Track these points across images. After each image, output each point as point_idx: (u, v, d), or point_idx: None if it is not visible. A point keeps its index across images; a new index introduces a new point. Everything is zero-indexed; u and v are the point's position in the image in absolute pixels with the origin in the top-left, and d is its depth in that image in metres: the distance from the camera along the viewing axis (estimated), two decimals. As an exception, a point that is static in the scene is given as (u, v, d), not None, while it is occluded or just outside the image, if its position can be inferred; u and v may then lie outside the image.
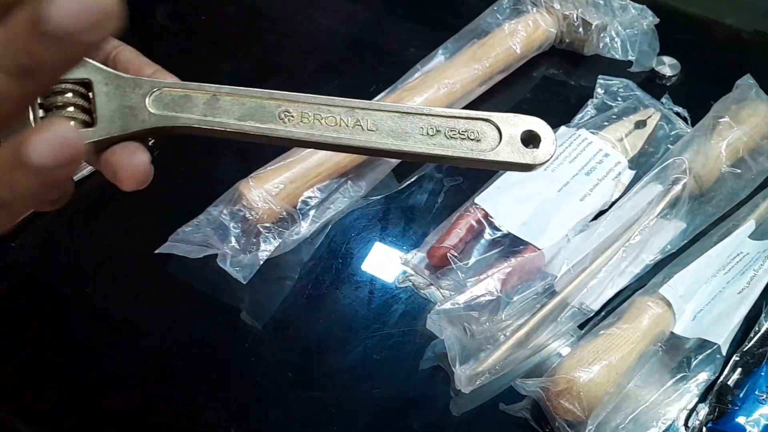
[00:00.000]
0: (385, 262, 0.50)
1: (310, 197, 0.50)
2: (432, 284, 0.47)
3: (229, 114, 0.28)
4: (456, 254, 0.47)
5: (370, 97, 0.56)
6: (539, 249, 0.47)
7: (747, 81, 0.55)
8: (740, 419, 0.42)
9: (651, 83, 0.60)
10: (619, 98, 0.57)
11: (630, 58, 0.60)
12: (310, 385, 0.45)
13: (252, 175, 0.49)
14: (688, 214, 0.50)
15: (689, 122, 0.56)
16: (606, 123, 0.54)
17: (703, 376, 0.44)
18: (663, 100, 0.57)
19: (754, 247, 0.49)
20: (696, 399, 0.43)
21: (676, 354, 0.45)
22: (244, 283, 0.46)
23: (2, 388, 0.44)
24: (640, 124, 0.54)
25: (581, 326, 0.47)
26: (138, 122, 0.27)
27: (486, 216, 0.49)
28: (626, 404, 0.43)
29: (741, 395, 0.43)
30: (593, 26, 0.58)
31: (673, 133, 0.55)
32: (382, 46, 0.65)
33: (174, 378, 0.45)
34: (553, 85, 0.62)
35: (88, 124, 0.27)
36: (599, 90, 0.58)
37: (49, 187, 0.19)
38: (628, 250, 0.47)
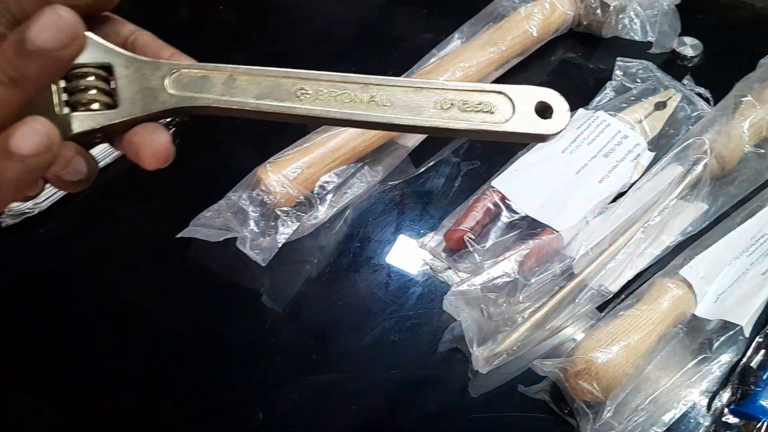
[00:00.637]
0: (402, 246, 0.50)
1: (327, 182, 0.51)
2: (449, 267, 0.47)
3: (247, 93, 0.29)
4: (473, 237, 0.47)
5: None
6: (557, 231, 0.47)
7: (771, 60, 0.53)
8: (764, 401, 0.41)
9: (672, 64, 0.60)
10: (638, 80, 0.56)
11: (650, 39, 0.60)
12: (329, 366, 0.45)
13: (270, 160, 0.50)
14: (709, 195, 0.49)
15: (711, 103, 0.56)
16: (625, 105, 0.54)
17: (726, 358, 0.44)
18: (684, 81, 0.56)
19: (778, 229, 0.48)
20: (718, 381, 0.43)
21: (698, 336, 0.44)
22: (264, 265, 0.47)
23: (28, 369, 0.45)
24: (660, 106, 0.54)
25: (600, 308, 0.46)
26: (158, 103, 0.28)
27: (503, 199, 0.48)
28: (646, 385, 0.42)
29: (764, 377, 0.42)
30: (612, 7, 0.58)
31: (694, 114, 0.54)
32: (397, 32, 0.65)
33: (195, 360, 0.46)
34: (571, 68, 0.61)
35: (111, 106, 0.28)
36: (618, 72, 0.57)
37: (31, 173, 0.22)
38: (647, 232, 0.46)
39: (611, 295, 0.46)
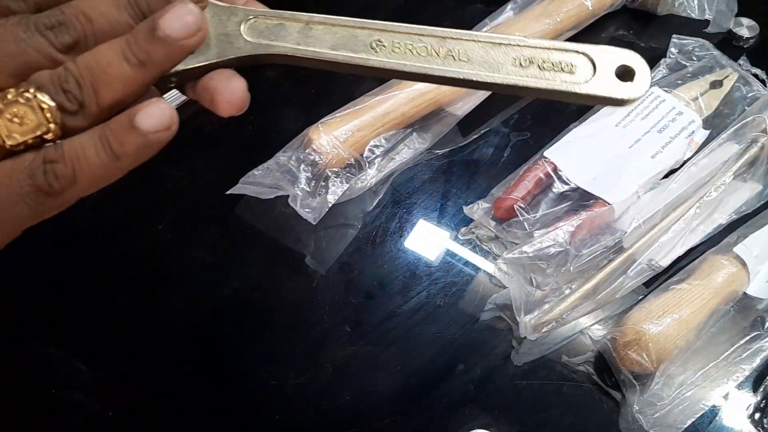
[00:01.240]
0: (448, 214, 0.50)
1: (376, 146, 0.51)
2: (498, 236, 0.47)
3: (322, 43, 0.28)
4: (523, 206, 0.47)
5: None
6: (609, 204, 0.47)
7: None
8: (813, 382, 0.41)
9: (727, 45, 0.59)
10: (694, 58, 0.55)
11: (707, 17, 0.59)
12: (372, 327, 0.45)
13: (321, 121, 0.49)
14: (765, 175, 0.48)
15: (767, 84, 0.55)
16: (680, 82, 0.53)
17: (777, 337, 0.43)
18: (740, 61, 0.55)
19: (833, 212, 0.48)
20: (768, 359, 0.43)
21: (749, 314, 0.44)
22: (314, 224, 0.47)
23: (74, 322, 0.46)
24: (716, 84, 0.53)
25: (646, 284, 0.46)
26: (234, 49, 0.28)
27: (555, 169, 0.48)
28: (695, 360, 0.42)
29: (815, 358, 0.42)
30: (669, -17, 0.57)
31: (750, 95, 0.53)
32: (447, 1, 0.65)
33: (241, 317, 0.47)
34: (623, 44, 0.60)
35: None
36: (673, 49, 0.56)
37: (150, 148, 0.24)
38: (700, 209, 0.46)
39: (661, 270, 0.46)
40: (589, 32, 0.59)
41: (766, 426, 0.41)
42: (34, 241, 0.48)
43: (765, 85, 0.54)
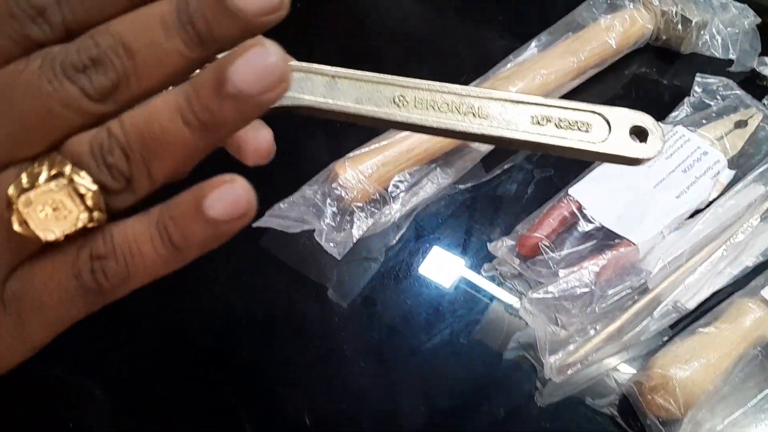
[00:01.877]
0: (471, 249, 0.50)
1: (400, 181, 0.51)
2: (522, 273, 0.47)
3: (347, 97, 0.28)
4: (548, 244, 0.47)
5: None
6: (634, 244, 0.46)
7: None
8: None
9: (751, 84, 0.59)
10: (718, 97, 0.55)
11: (731, 56, 0.59)
12: (395, 363, 0.45)
13: (347, 156, 0.50)
14: (792, 217, 0.48)
15: (792, 125, 0.55)
16: (704, 121, 0.53)
17: (806, 385, 0.42)
18: (765, 100, 0.55)
19: None
20: (797, 407, 0.42)
21: (777, 359, 0.43)
22: (339, 258, 0.47)
23: (97, 356, 0.46)
24: (741, 124, 0.53)
25: (672, 326, 0.46)
26: None
27: (580, 208, 0.48)
28: (724, 406, 0.41)
29: None
30: (693, 23, 0.57)
31: (775, 135, 0.53)
32: (471, 35, 0.65)
33: (262, 348, 0.47)
34: (646, 82, 0.61)
35: None
36: (697, 88, 0.56)
37: (220, 238, 0.20)
38: (727, 251, 0.46)
39: (687, 312, 0.45)
40: (613, 70, 0.59)
41: (795, 475, 0.40)
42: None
43: (790, 126, 0.54)
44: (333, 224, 0.47)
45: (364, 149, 0.51)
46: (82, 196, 0.19)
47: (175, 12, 0.19)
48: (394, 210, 0.50)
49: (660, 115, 0.56)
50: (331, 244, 0.47)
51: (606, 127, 0.28)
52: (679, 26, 0.58)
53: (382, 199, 0.50)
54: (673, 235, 0.47)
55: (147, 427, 0.43)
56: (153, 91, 0.20)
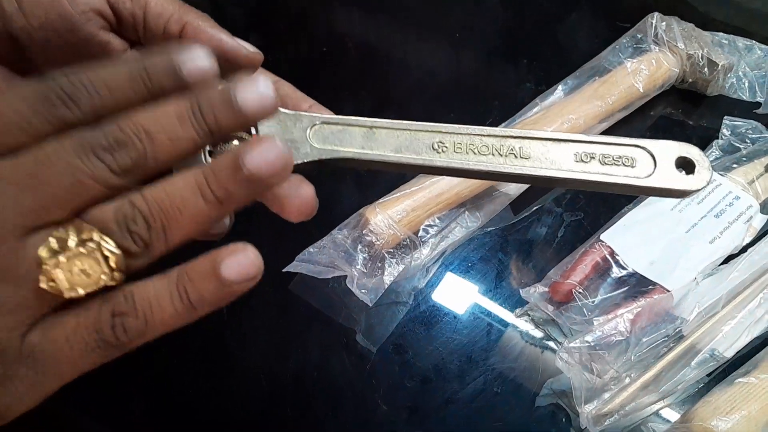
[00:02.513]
0: (502, 295, 0.50)
1: (430, 225, 0.51)
2: (555, 319, 0.47)
3: (386, 146, 0.29)
4: (581, 291, 0.46)
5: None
6: (668, 290, 0.46)
7: None
8: None
9: (779, 126, 0.59)
10: (747, 140, 0.55)
11: (758, 99, 0.59)
12: (427, 415, 0.45)
13: (377, 201, 0.50)
14: (828, 263, 0.47)
15: (823, 168, 0.54)
16: (735, 165, 0.53)
17: None
18: (794, 143, 0.55)
19: None
20: (841, 460, 0.41)
21: (820, 410, 0.42)
22: (371, 305, 0.47)
23: (108, 398, 0.46)
24: (772, 168, 0.53)
25: (709, 374, 0.45)
26: (301, 155, 0.28)
27: (612, 254, 0.48)
28: (766, 460, 0.40)
29: None
30: (720, 66, 0.57)
31: (806, 178, 0.53)
32: (496, 80, 0.66)
33: (293, 397, 0.46)
34: (672, 124, 0.61)
35: None
36: (725, 131, 0.56)
37: (230, 296, 0.23)
38: (764, 297, 0.45)
39: (725, 361, 0.44)
40: (640, 113, 0.60)
41: None
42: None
43: (821, 168, 0.54)
44: (364, 270, 0.47)
45: (394, 194, 0.51)
46: (106, 259, 0.21)
47: (189, 109, 0.23)
48: (424, 254, 0.50)
49: (688, 157, 0.56)
50: (363, 291, 0.47)
51: (651, 160, 0.28)
52: (706, 69, 0.58)
53: (412, 243, 0.50)
54: (707, 282, 0.47)
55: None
56: (164, 169, 0.23)
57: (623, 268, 0.47)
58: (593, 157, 0.28)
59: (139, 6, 0.28)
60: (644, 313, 0.45)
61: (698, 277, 0.47)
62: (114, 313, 0.22)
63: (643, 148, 0.28)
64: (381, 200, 0.51)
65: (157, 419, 0.46)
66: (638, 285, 0.47)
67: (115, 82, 0.22)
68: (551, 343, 0.47)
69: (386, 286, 0.47)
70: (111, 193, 0.22)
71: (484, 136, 0.29)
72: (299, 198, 0.27)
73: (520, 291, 0.49)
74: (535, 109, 0.57)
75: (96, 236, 0.21)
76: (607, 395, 0.43)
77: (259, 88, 0.23)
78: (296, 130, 0.29)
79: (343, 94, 0.66)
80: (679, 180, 0.28)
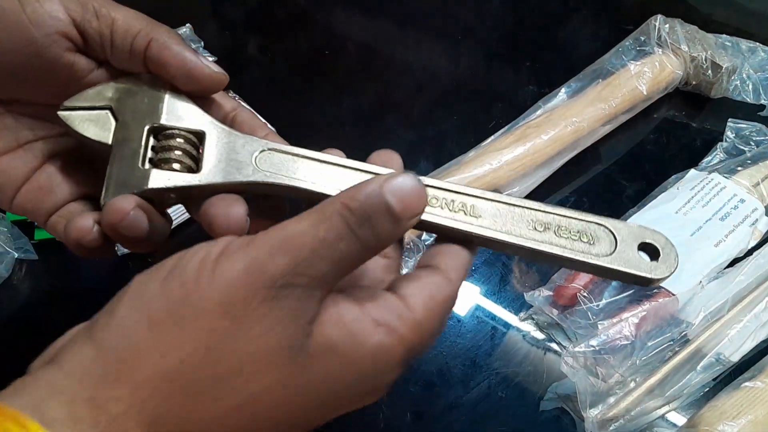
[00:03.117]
0: (506, 299, 0.50)
1: (433, 229, 0.51)
2: (560, 323, 0.47)
3: (328, 183, 0.28)
4: (586, 295, 0.46)
5: (489, 133, 0.57)
6: (673, 294, 0.46)
7: None
8: None
9: (783, 129, 0.58)
10: (752, 142, 0.55)
11: (763, 101, 0.59)
12: (434, 419, 0.44)
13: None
14: (834, 266, 0.47)
15: (828, 170, 0.54)
16: (739, 168, 0.53)
17: None
18: (799, 146, 0.55)
19: None
20: None
21: (827, 415, 0.42)
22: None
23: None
24: (776, 170, 0.52)
25: (714, 378, 0.45)
26: (240, 175, 0.28)
27: (616, 257, 0.47)
28: (773, 465, 0.40)
29: None
30: (723, 68, 0.57)
31: (810, 180, 0.53)
32: (498, 83, 0.66)
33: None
34: (676, 127, 0.60)
35: (192, 170, 0.28)
36: (729, 133, 0.56)
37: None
38: (770, 301, 0.45)
39: (731, 365, 0.44)
40: (643, 116, 0.59)
41: None
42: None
43: (826, 171, 0.54)
44: (368, 274, 0.47)
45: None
46: None
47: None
48: (428, 258, 0.50)
49: (693, 160, 0.56)
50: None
51: (612, 240, 0.27)
52: (709, 72, 0.58)
53: (416, 247, 0.50)
54: (713, 285, 0.47)
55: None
56: None
57: (628, 272, 0.47)
58: (549, 228, 0.27)
59: (106, 24, 0.27)
60: (649, 316, 0.45)
61: (703, 281, 0.47)
62: None
63: (604, 226, 0.27)
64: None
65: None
66: (643, 289, 0.46)
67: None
68: (556, 347, 0.47)
69: (390, 291, 0.47)
70: None
71: (436, 188, 0.27)
72: (228, 217, 0.27)
73: (525, 295, 0.48)
74: (537, 112, 0.57)
75: None
76: (612, 399, 0.43)
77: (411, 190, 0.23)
78: (243, 152, 0.29)
79: (344, 97, 0.65)
80: (641, 266, 0.26)
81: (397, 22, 0.74)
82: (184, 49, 0.28)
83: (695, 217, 0.50)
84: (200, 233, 0.53)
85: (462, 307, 0.50)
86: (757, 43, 0.61)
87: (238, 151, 0.29)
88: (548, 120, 0.54)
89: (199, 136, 0.29)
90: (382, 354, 0.22)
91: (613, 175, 0.57)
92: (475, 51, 0.70)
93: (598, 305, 0.46)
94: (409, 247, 0.49)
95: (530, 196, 0.54)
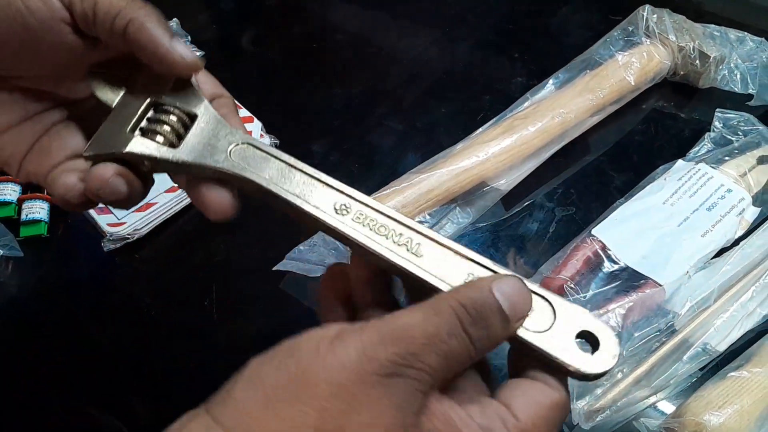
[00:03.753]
0: (494, 290, 0.50)
1: (420, 222, 0.51)
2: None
3: (294, 188, 0.28)
4: (573, 286, 0.46)
5: (478, 124, 0.56)
6: (660, 285, 0.46)
7: None
8: None
9: (771, 118, 0.58)
10: (739, 132, 0.55)
11: (750, 91, 0.59)
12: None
13: (367, 198, 0.50)
14: (821, 255, 0.47)
15: (815, 159, 0.54)
16: (726, 158, 0.53)
17: (843, 430, 0.41)
18: (787, 135, 0.55)
19: None
20: (833, 454, 0.41)
21: (812, 403, 0.42)
22: (362, 303, 0.47)
23: (121, 389, 0.46)
24: (764, 160, 0.52)
25: (701, 368, 0.45)
26: (211, 160, 0.29)
27: (604, 248, 0.48)
28: (759, 454, 0.40)
29: None
30: (711, 58, 0.57)
31: (798, 170, 0.53)
32: (488, 74, 0.66)
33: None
34: (665, 117, 0.60)
35: (174, 146, 0.30)
36: (717, 123, 0.56)
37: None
38: (756, 291, 0.45)
39: (717, 355, 0.44)
40: (631, 106, 0.59)
41: None
42: (82, 312, 0.49)
43: (813, 160, 0.54)
44: (355, 268, 0.47)
45: (384, 191, 0.51)
46: None
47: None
48: (416, 251, 0.50)
49: (681, 150, 0.56)
50: (354, 288, 0.46)
51: (551, 316, 0.24)
52: (697, 61, 0.58)
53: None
54: (700, 275, 0.47)
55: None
56: None
57: (615, 263, 0.47)
58: None
59: (89, 5, 0.28)
60: (636, 307, 0.45)
61: (690, 271, 0.47)
62: None
63: (546, 300, 0.25)
64: (371, 197, 0.50)
65: (154, 413, 0.45)
66: (630, 279, 0.46)
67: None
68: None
69: (377, 284, 0.47)
70: None
71: (389, 218, 0.27)
72: (219, 201, 0.29)
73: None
74: (525, 104, 0.57)
75: None
76: (599, 391, 0.43)
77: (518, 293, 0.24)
78: (223, 141, 0.30)
79: (335, 87, 0.65)
80: (574, 354, 0.24)
81: (389, 12, 0.73)
82: (160, 32, 0.28)
83: (682, 207, 0.50)
84: (190, 226, 0.53)
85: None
86: (746, 33, 0.61)
87: (219, 138, 0.30)
88: (535, 111, 0.54)
89: (192, 118, 0.30)
90: None
91: (601, 166, 0.57)
92: (465, 41, 0.69)
93: (584, 296, 0.46)
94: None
95: (518, 187, 0.54)
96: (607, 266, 0.47)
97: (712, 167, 0.52)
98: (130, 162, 0.29)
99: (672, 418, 0.41)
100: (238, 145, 0.30)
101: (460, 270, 0.26)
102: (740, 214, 0.49)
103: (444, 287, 0.25)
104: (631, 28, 0.60)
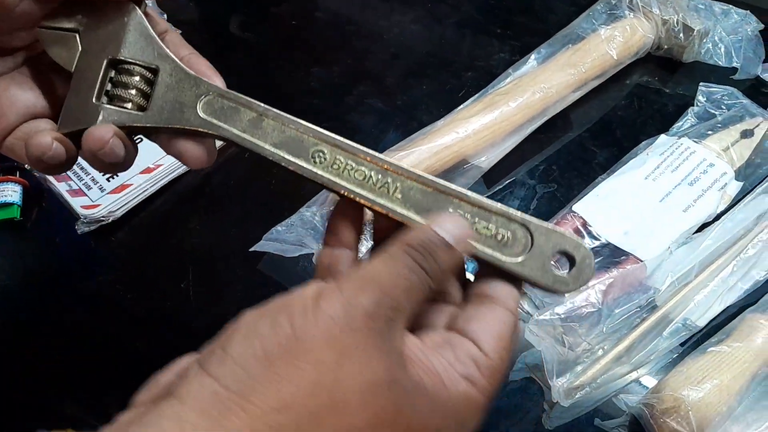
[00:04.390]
0: (474, 269, 0.49)
1: (400, 200, 0.50)
2: (526, 292, 0.46)
3: (266, 138, 0.28)
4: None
5: (459, 102, 0.56)
6: (641, 260, 0.45)
7: None
8: None
9: (756, 92, 0.58)
10: (723, 106, 0.54)
11: (735, 64, 0.58)
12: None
13: (345, 176, 0.49)
14: (802, 229, 0.47)
15: (800, 133, 0.53)
16: (710, 132, 0.52)
17: (822, 403, 0.41)
18: (770, 109, 0.54)
19: None
20: (813, 427, 0.41)
21: (792, 378, 0.42)
22: (339, 283, 0.46)
23: (96, 375, 0.46)
24: (747, 134, 0.52)
25: (682, 343, 0.45)
26: (183, 120, 0.29)
27: (585, 225, 0.47)
28: (738, 427, 0.40)
29: None
30: (695, 31, 0.56)
31: (782, 144, 0.52)
32: (470, 51, 0.65)
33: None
34: (648, 92, 0.60)
35: (142, 108, 0.29)
36: (701, 98, 0.55)
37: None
38: (737, 265, 0.44)
39: (697, 330, 0.44)
40: (615, 81, 0.58)
41: (815, 498, 0.39)
42: (56, 296, 0.48)
43: (797, 134, 0.53)
44: (332, 247, 0.46)
45: (363, 169, 0.50)
46: None
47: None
48: (395, 230, 0.49)
49: (664, 125, 0.55)
50: (331, 268, 0.46)
51: (528, 241, 0.25)
52: (681, 35, 0.57)
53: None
54: (681, 251, 0.46)
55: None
56: None
57: (596, 239, 0.47)
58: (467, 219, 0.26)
59: None
60: (617, 283, 0.44)
61: (672, 247, 0.47)
62: None
63: (525, 227, 0.25)
64: (349, 175, 0.49)
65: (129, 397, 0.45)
66: (611, 256, 0.46)
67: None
68: (523, 316, 0.46)
69: (355, 263, 0.46)
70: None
71: (366, 160, 0.27)
72: (194, 153, 0.29)
73: (492, 265, 0.48)
74: (507, 80, 0.56)
75: None
76: (579, 368, 0.43)
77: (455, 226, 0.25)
78: (189, 94, 0.29)
79: (315, 65, 0.64)
80: (550, 274, 0.25)
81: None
82: None
83: (664, 182, 0.49)
84: (167, 207, 0.52)
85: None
86: (731, 6, 0.60)
87: (186, 92, 0.29)
88: (516, 87, 0.53)
89: (154, 72, 0.29)
90: (467, 403, 0.24)
91: (584, 142, 0.56)
92: (447, 18, 0.68)
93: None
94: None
95: (499, 165, 0.53)
96: (588, 243, 0.47)
97: (695, 141, 0.51)
98: None
99: (651, 394, 0.41)
100: (206, 96, 0.29)
101: (442, 207, 0.26)
102: (722, 188, 0.49)
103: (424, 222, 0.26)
104: (614, 2, 0.59)
